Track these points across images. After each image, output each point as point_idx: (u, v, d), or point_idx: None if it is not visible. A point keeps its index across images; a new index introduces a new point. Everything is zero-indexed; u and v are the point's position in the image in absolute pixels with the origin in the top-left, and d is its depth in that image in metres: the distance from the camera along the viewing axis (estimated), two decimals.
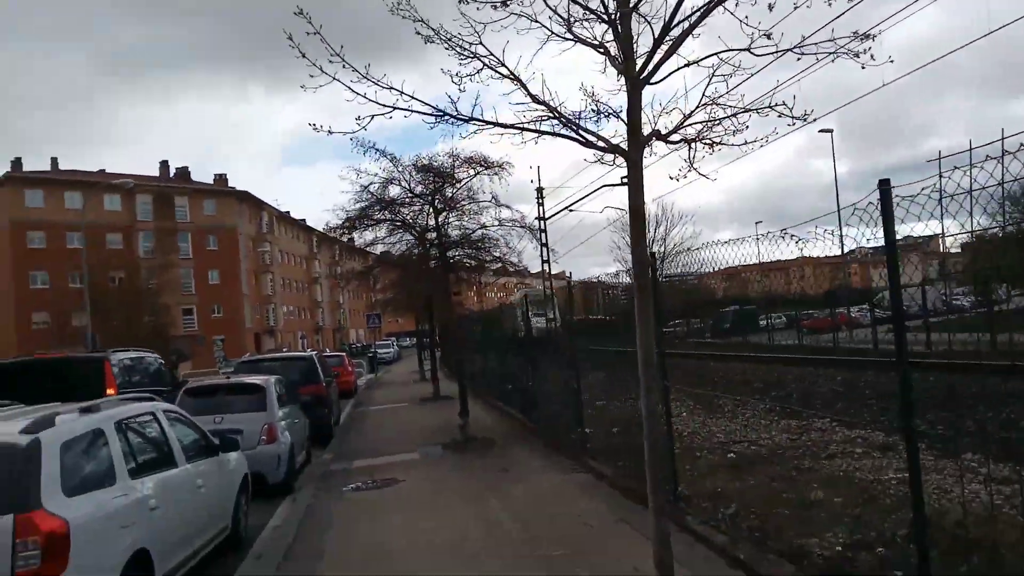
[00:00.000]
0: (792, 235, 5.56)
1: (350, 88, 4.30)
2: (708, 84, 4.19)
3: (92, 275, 40.31)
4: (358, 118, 4.33)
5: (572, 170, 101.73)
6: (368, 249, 17.54)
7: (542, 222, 29.59)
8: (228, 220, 68.27)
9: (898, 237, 4.10)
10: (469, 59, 4.33)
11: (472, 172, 12.78)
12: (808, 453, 9.44)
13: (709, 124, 4.31)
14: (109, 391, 10.58)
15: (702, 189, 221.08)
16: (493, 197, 13.52)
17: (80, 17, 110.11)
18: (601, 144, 4.40)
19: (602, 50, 4.16)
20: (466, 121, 4.48)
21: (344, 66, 4.13)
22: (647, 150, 4.31)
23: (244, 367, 15.52)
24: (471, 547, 6.63)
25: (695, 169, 4.62)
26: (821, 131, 35.81)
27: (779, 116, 4.22)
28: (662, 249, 46.80)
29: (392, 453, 12.33)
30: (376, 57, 4.49)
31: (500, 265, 15.63)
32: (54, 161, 63.76)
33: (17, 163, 61.06)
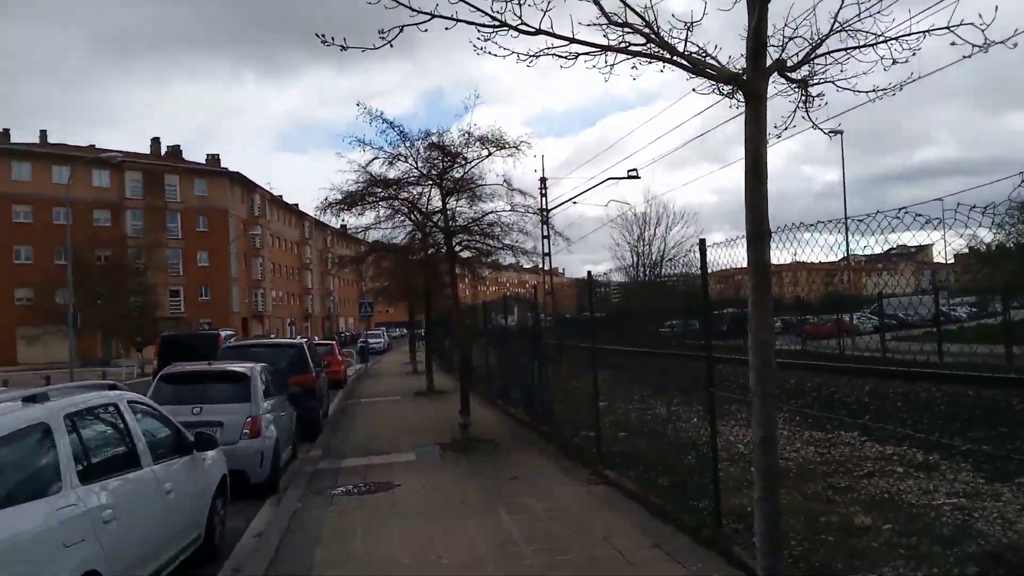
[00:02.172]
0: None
1: None
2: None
3: (77, 252, 39.07)
4: (381, 31, 3.34)
5: (569, 166, 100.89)
6: (362, 236, 16.51)
7: (545, 213, 28.65)
8: (219, 201, 66.67)
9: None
10: None
11: (486, 152, 11.73)
12: (841, 470, 8.68)
13: (848, 52, 3.34)
14: None
15: (697, 190, 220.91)
16: (506, 180, 12.49)
17: None
18: (712, 72, 3.42)
19: None
20: (533, 34, 3.46)
21: None
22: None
23: (229, 353, 14.55)
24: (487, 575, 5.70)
25: (811, 120, 3.63)
26: (831, 132, 35.06)
27: (952, 44, 3.25)
28: (662, 248, 46.18)
29: (386, 452, 11.37)
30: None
31: (506, 255, 14.54)
32: (43, 134, 62.06)
33: (4, 135, 59.46)
